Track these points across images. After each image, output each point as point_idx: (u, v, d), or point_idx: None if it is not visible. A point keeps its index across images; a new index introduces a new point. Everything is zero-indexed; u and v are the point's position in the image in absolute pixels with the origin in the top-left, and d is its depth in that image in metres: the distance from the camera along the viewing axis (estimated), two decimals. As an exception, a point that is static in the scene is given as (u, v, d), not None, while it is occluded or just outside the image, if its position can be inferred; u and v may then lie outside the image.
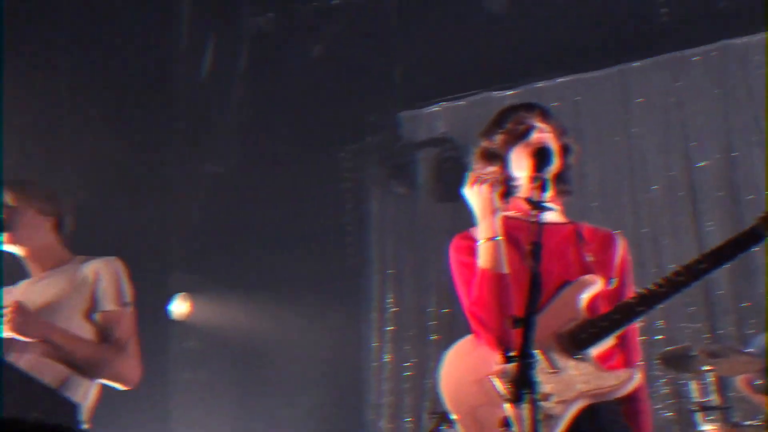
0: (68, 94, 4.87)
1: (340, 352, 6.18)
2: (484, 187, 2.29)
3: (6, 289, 2.82)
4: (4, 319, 2.46)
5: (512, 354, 1.65)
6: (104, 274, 2.71)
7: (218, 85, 5.96)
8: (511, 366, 1.79)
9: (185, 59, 5.82)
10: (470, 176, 2.35)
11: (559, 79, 6.13)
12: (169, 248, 5.41)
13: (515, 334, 2.09)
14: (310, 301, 6.09)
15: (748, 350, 4.04)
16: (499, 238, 2.24)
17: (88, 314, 2.68)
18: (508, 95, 6.31)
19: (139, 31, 5.27)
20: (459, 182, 6.63)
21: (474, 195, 2.32)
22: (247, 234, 5.95)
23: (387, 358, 6.26)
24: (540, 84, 6.18)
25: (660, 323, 5.23)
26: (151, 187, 5.17)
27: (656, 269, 5.29)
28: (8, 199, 2.75)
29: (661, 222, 5.58)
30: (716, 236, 5.14)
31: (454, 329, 6.05)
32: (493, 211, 2.27)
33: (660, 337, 5.21)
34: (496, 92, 6.34)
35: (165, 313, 5.19)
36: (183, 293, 5.35)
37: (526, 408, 1.67)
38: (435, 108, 6.59)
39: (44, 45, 4.78)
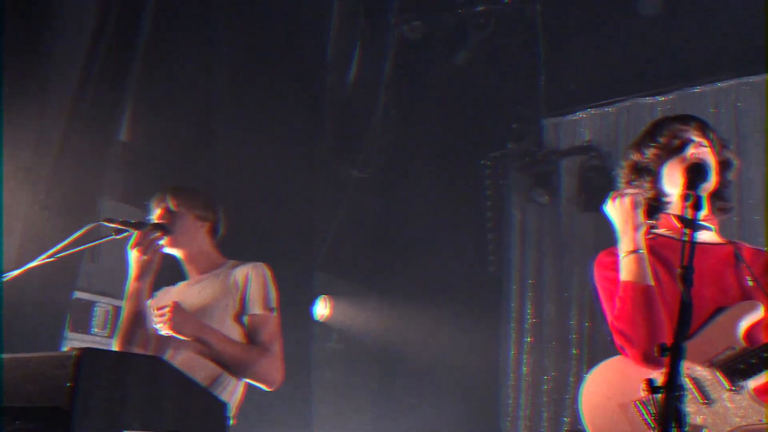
0: (221, 100, 5.15)
1: (477, 361, 6.13)
2: (626, 201, 2.19)
3: (165, 289, 3.03)
4: (164, 318, 2.64)
5: (659, 384, 1.56)
6: (253, 280, 2.83)
7: (364, 93, 6.09)
8: (658, 396, 1.70)
9: (333, 66, 5.99)
10: (612, 194, 2.24)
11: (719, 84, 5.76)
12: (313, 251, 5.58)
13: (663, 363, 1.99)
14: (448, 308, 6.10)
15: None
16: (642, 251, 2.14)
17: (238, 317, 2.82)
18: (660, 101, 6.02)
19: (290, 40, 5.49)
20: (603, 192, 6.41)
21: (614, 210, 2.23)
22: (388, 239, 6.04)
23: (525, 369, 6.14)
24: (697, 89, 5.84)
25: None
26: (298, 192, 5.36)
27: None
28: (171, 204, 2.94)
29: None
30: None
31: (595, 344, 5.85)
32: (635, 226, 2.17)
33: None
34: (646, 98, 6.07)
35: (309, 314, 5.37)
36: (325, 295, 5.51)
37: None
38: (580, 115, 6.40)
39: (202, 53, 5.08)
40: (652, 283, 2.10)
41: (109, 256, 4.14)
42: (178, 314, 2.66)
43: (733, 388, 2.00)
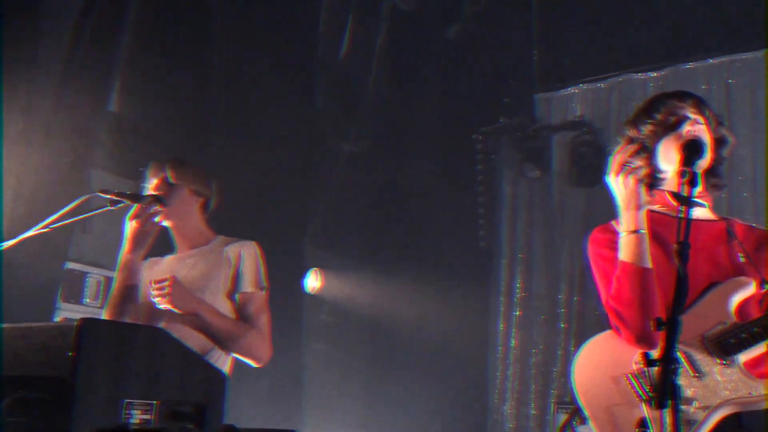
0: (214, 73, 5.11)
1: (466, 333, 6.19)
2: (631, 178, 2.16)
3: (153, 260, 3.03)
4: (163, 292, 2.65)
5: (654, 357, 1.59)
6: (246, 258, 2.87)
7: (357, 66, 6.06)
8: (648, 368, 1.73)
9: (326, 38, 5.95)
10: (615, 163, 2.21)
11: (711, 60, 5.77)
12: (305, 224, 5.59)
13: (658, 336, 2.02)
14: (438, 281, 6.14)
15: None
16: (643, 231, 2.14)
17: (230, 294, 2.85)
18: (652, 77, 6.03)
19: (283, 12, 5.44)
20: (595, 167, 6.45)
21: (619, 184, 2.18)
22: (379, 213, 6.05)
23: (513, 343, 6.21)
24: (689, 65, 5.85)
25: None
26: (292, 165, 5.35)
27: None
28: (170, 176, 2.94)
29: (819, 216, 5.16)
30: None
31: (583, 318, 5.92)
32: (639, 204, 2.15)
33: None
34: (638, 74, 6.08)
35: (300, 287, 5.39)
36: (316, 268, 5.53)
37: (666, 413, 1.60)
38: (572, 90, 6.41)
39: (195, 23, 5.03)
40: (650, 265, 2.10)
41: (101, 227, 4.14)
42: (177, 288, 2.67)
43: (724, 361, 2.04)
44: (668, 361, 1.51)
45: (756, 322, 2.04)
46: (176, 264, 2.94)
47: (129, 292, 2.80)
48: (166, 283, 2.65)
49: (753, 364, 2.07)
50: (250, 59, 5.15)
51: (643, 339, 2.08)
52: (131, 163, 4.20)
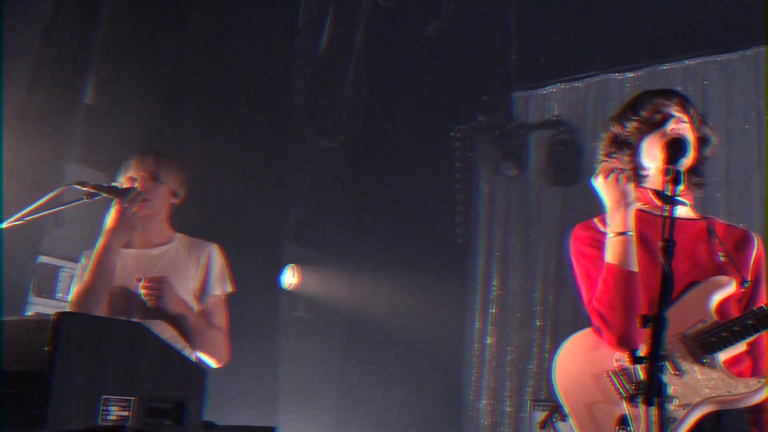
0: (190, 65, 5.05)
1: (442, 331, 6.20)
2: (621, 178, 2.16)
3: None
4: (155, 292, 2.65)
5: (642, 355, 1.59)
6: (215, 261, 2.93)
7: (335, 61, 6.02)
8: (634, 365, 1.74)
9: (304, 33, 5.90)
10: (603, 166, 2.21)
11: (687, 62, 5.83)
12: (281, 220, 5.55)
13: (645, 334, 2.02)
14: (415, 278, 6.13)
15: None
16: (631, 233, 2.13)
17: (199, 295, 2.89)
18: (629, 78, 6.08)
19: (261, 5, 5.39)
20: (572, 166, 6.48)
21: (608, 186, 2.18)
22: (357, 209, 6.03)
23: (489, 340, 6.23)
24: (665, 66, 5.91)
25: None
26: (269, 159, 5.31)
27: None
28: (159, 173, 2.90)
29: (791, 217, 5.24)
30: None
31: (558, 316, 5.95)
32: (627, 205, 2.15)
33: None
34: (616, 74, 6.12)
35: (277, 283, 5.36)
36: (292, 264, 5.49)
37: (649, 410, 1.61)
38: (550, 89, 6.43)
39: (170, 16, 4.96)
40: (636, 269, 2.10)
41: (74, 220, 4.06)
42: (170, 290, 2.68)
43: (704, 360, 2.05)
44: (656, 359, 1.51)
45: (736, 321, 2.06)
46: (144, 261, 2.89)
47: (104, 284, 2.73)
48: (157, 283, 2.66)
49: (732, 363, 2.09)
50: (227, 53, 5.09)
51: (624, 342, 2.08)
52: (106, 156, 4.13)
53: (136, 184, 2.84)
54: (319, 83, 6.00)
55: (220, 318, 2.89)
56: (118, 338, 1.73)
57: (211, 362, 2.88)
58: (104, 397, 1.64)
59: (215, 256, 2.93)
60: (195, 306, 2.85)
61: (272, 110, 5.54)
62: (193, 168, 4.26)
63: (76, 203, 2.75)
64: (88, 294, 2.72)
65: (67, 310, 2.85)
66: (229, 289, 2.96)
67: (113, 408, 1.68)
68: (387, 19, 6.22)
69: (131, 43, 4.74)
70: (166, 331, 2.73)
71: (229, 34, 5.22)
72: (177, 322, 2.73)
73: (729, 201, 5.41)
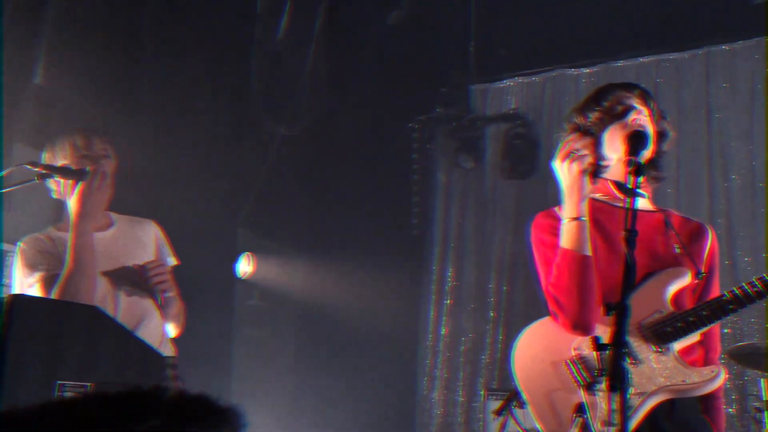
0: (143, 47, 4.93)
1: (397, 321, 6.21)
2: (576, 165, 2.18)
3: (44, 233, 2.82)
4: (165, 278, 2.70)
5: (605, 342, 1.61)
6: (161, 234, 2.97)
7: (294, 48, 5.96)
8: (597, 352, 1.76)
9: (263, 19, 5.82)
10: (563, 150, 2.23)
11: (641, 59, 5.94)
12: (238, 208, 5.48)
13: (599, 318, 2.05)
14: (371, 268, 6.13)
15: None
16: (585, 219, 2.16)
17: None
18: (585, 73, 6.17)
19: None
20: (527, 159, 6.54)
21: (564, 170, 2.19)
22: (314, 198, 5.99)
23: (444, 330, 6.27)
24: (620, 63, 6.01)
25: (729, 317, 5.09)
26: (224, 146, 5.23)
27: (729, 262, 5.13)
28: (110, 151, 2.82)
29: (738, 213, 5.40)
30: (796, 232, 4.96)
31: (513, 307, 6.02)
32: (582, 192, 2.18)
33: (727, 330, 5.08)
34: (572, 70, 6.21)
35: (232, 271, 5.29)
36: (248, 253, 5.43)
37: (605, 397, 1.63)
38: (507, 82, 6.49)
39: (125, 1, 4.84)
40: (590, 253, 2.13)
41: (22, 203, 3.93)
42: (170, 275, 2.74)
43: (660, 349, 2.09)
44: (620, 345, 1.53)
45: (691, 312, 2.10)
46: (109, 242, 2.80)
47: (87, 271, 2.58)
48: (167, 269, 2.73)
49: (686, 353, 2.14)
50: (183, 36, 4.99)
51: (579, 325, 2.11)
52: (56, 137, 4.01)
53: (88, 164, 2.73)
54: (277, 70, 5.93)
55: (176, 287, 2.92)
56: (75, 322, 1.68)
57: (175, 331, 2.92)
58: (59, 383, 1.59)
59: (158, 229, 2.98)
60: None
61: (230, 96, 5.45)
62: (147, 152, 4.18)
63: (25, 184, 2.65)
64: (71, 285, 2.54)
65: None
66: (175, 261, 2.98)
67: (69, 394, 1.63)
68: (347, 6, 6.18)
69: (83, 23, 4.61)
70: (139, 304, 2.72)
71: (186, 17, 5.10)
72: (166, 300, 2.76)
73: (679, 196, 5.54)
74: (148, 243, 2.88)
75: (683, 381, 2.05)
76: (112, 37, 4.75)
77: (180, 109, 4.96)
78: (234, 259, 5.35)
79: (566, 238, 2.17)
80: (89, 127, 2.93)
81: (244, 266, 5.42)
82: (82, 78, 4.57)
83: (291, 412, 5.72)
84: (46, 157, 2.81)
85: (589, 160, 2.21)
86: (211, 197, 4.94)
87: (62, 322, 1.65)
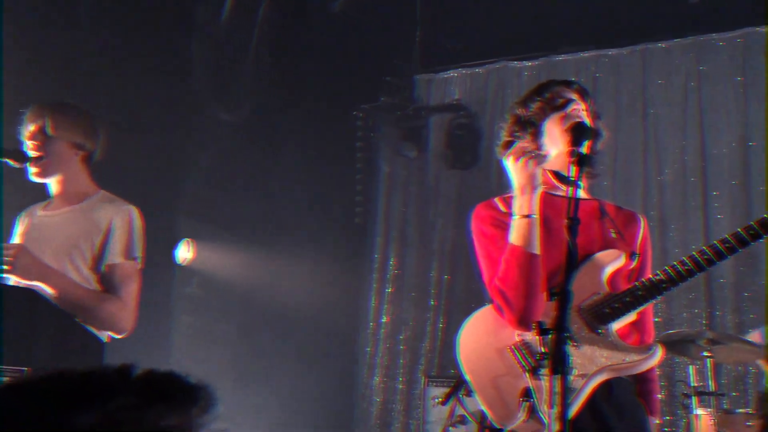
0: (88, 30, 4.79)
1: (338, 308, 6.22)
2: (531, 162, 2.22)
3: (28, 211, 2.81)
4: (7, 260, 2.39)
5: (547, 327, 1.65)
6: (118, 228, 2.68)
7: (237, 33, 5.86)
8: (535, 337, 1.80)
9: (206, 3, 5.71)
10: (516, 147, 2.28)
11: (581, 54, 6.08)
12: (178, 193, 5.37)
13: (543, 313, 2.11)
14: (313, 256, 6.11)
15: (748, 338, 4.06)
16: (535, 216, 2.21)
17: (96, 263, 2.65)
18: (527, 66, 6.28)
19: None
20: (470, 150, 6.61)
21: (517, 168, 2.23)
22: (255, 185, 5.93)
23: (385, 318, 6.31)
24: (560, 57, 6.14)
25: (660, 305, 5.28)
26: (167, 131, 5.11)
27: (661, 253, 5.31)
28: (49, 126, 2.69)
29: (670, 206, 5.59)
30: (724, 225, 5.16)
31: (453, 296, 6.10)
32: (534, 188, 2.22)
33: (658, 319, 5.26)
34: (514, 62, 6.30)
35: (171, 257, 5.19)
36: (188, 239, 5.34)
37: (550, 380, 1.67)
38: (452, 73, 6.55)
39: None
40: (538, 251, 2.17)
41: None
42: (24, 257, 2.43)
43: (599, 330, 2.16)
44: (561, 330, 1.57)
45: (627, 292, 2.18)
46: (46, 221, 2.72)
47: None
48: (11, 251, 2.40)
49: (624, 335, 2.21)
50: (126, 18, 4.86)
51: (525, 321, 2.16)
52: (10, 113, 3.87)
53: (26, 138, 2.65)
54: (220, 55, 5.83)
55: (120, 285, 2.63)
56: (11, 305, 1.62)
57: (110, 332, 2.59)
58: (-5, 366, 1.54)
59: (118, 221, 2.68)
60: (92, 276, 2.62)
61: (173, 80, 5.33)
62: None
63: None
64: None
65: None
66: (136, 255, 2.71)
67: (4, 380, 1.59)
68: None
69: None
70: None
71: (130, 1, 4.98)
72: (51, 295, 2.41)
73: (615, 189, 5.70)
74: (100, 229, 2.65)
75: (623, 360, 2.12)
76: (59, 24, 4.61)
77: (121, 92, 4.84)
78: (174, 245, 5.26)
79: (516, 234, 2.20)
80: (39, 104, 2.78)
81: (184, 252, 5.33)
82: (36, 53, 4.42)
83: (231, 400, 5.66)
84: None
85: (530, 149, 2.26)
86: (151, 181, 4.84)
87: (-1, 305, 1.59)
